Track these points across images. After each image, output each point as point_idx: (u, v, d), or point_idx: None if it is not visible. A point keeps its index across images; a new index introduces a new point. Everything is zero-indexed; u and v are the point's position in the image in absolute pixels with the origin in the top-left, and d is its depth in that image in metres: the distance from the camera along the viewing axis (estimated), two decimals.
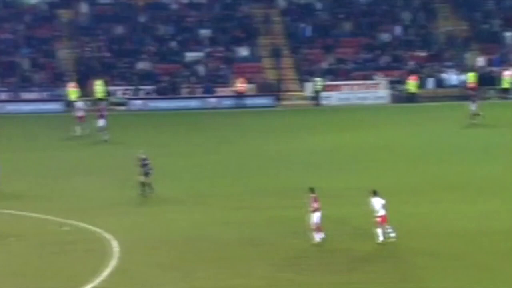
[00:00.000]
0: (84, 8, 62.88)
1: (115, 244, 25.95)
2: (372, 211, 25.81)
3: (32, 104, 55.37)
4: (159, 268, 24.02)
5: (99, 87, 56.12)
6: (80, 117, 44.72)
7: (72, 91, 55.02)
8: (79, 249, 25.72)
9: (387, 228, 25.70)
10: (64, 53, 60.37)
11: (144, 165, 31.50)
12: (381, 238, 25.59)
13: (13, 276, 23.23)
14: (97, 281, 22.74)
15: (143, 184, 31.48)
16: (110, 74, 58.38)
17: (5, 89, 56.67)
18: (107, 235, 26.89)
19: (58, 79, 57.86)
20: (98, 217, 29.03)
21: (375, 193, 26.03)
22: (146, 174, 31.54)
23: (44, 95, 56.78)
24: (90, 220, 28.48)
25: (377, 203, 25.85)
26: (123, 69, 59.74)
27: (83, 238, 26.95)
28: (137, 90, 57.83)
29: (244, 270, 23.87)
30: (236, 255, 25.12)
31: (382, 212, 25.74)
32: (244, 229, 27.76)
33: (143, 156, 31.75)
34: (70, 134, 43.92)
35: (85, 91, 55.76)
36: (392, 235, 25.75)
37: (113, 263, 24.21)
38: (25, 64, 58.72)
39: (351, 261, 24.33)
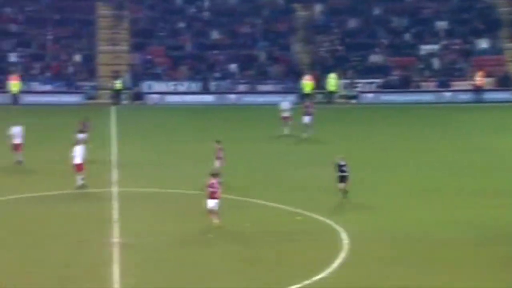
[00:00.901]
0: (318, 6, 63.69)
1: (344, 237, 26.00)
2: None
3: (267, 96, 56.91)
4: (388, 264, 23.74)
5: (332, 80, 56.66)
6: (286, 118, 43.83)
7: (307, 84, 55.98)
8: (310, 239, 26.04)
9: None
10: (299, 47, 61.55)
11: (342, 171, 30.32)
12: None
13: (246, 261, 23.93)
14: (326, 271, 22.89)
15: (343, 191, 30.40)
16: (343, 67, 58.71)
17: (244, 81, 58.80)
18: (337, 227, 27.01)
19: (292, 72, 59.11)
20: (327, 209, 29.20)
21: None
22: (343, 179, 30.30)
23: (279, 87, 58.23)
24: (320, 212, 28.74)
25: None
26: (355, 62, 59.83)
27: (315, 228, 27.25)
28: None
29: (472, 272, 22.98)
30: (461, 256, 24.29)
31: None
32: (469, 230, 26.80)
33: (341, 162, 30.51)
34: (279, 133, 43.60)
35: (319, 84, 56.55)
36: None
37: (342, 255, 24.26)
38: (262, 57, 60.57)
39: None
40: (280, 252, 24.69)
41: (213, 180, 27.07)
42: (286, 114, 43.98)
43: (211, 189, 26.88)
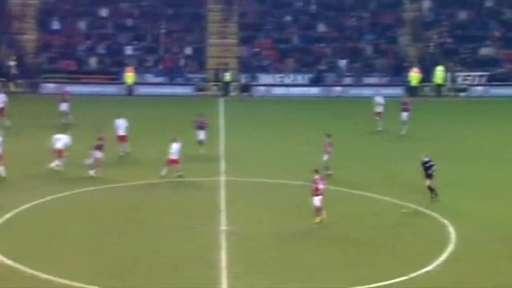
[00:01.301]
0: (426, 3, 62.71)
1: (451, 231, 25.73)
2: None
3: (372, 88, 56.35)
4: (497, 260, 23.37)
5: (439, 73, 55.82)
6: (379, 113, 42.93)
7: (414, 76, 55.35)
8: (417, 231, 25.90)
9: None
10: (406, 39, 60.87)
11: (427, 168, 29.22)
12: None
13: (351, 252, 23.99)
14: (433, 265, 22.75)
15: (430, 188, 29.24)
16: (452, 60, 57.73)
17: (350, 73, 58.67)
18: (444, 221, 26.76)
19: (399, 65, 58.54)
20: (433, 202, 28.93)
21: None
22: (430, 176, 29.18)
23: (385, 80, 57.78)
24: (426, 205, 28.52)
25: None
26: (464, 54, 58.73)
27: (421, 221, 27.08)
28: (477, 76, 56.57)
29: None
30: None
31: None
32: None
33: (426, 159, 29.47)
34: (375, 129, 42.83)
35: (427, 77, 55.82)
36: None
37: (449, 249, 24.04)
38: (369, 50, 60.24)
39: None
40: (387, 244, 24.66)
41: (317, 177, 26.84)
42: (379, 109, 43.18)
43: (314, 186, 26.66)
